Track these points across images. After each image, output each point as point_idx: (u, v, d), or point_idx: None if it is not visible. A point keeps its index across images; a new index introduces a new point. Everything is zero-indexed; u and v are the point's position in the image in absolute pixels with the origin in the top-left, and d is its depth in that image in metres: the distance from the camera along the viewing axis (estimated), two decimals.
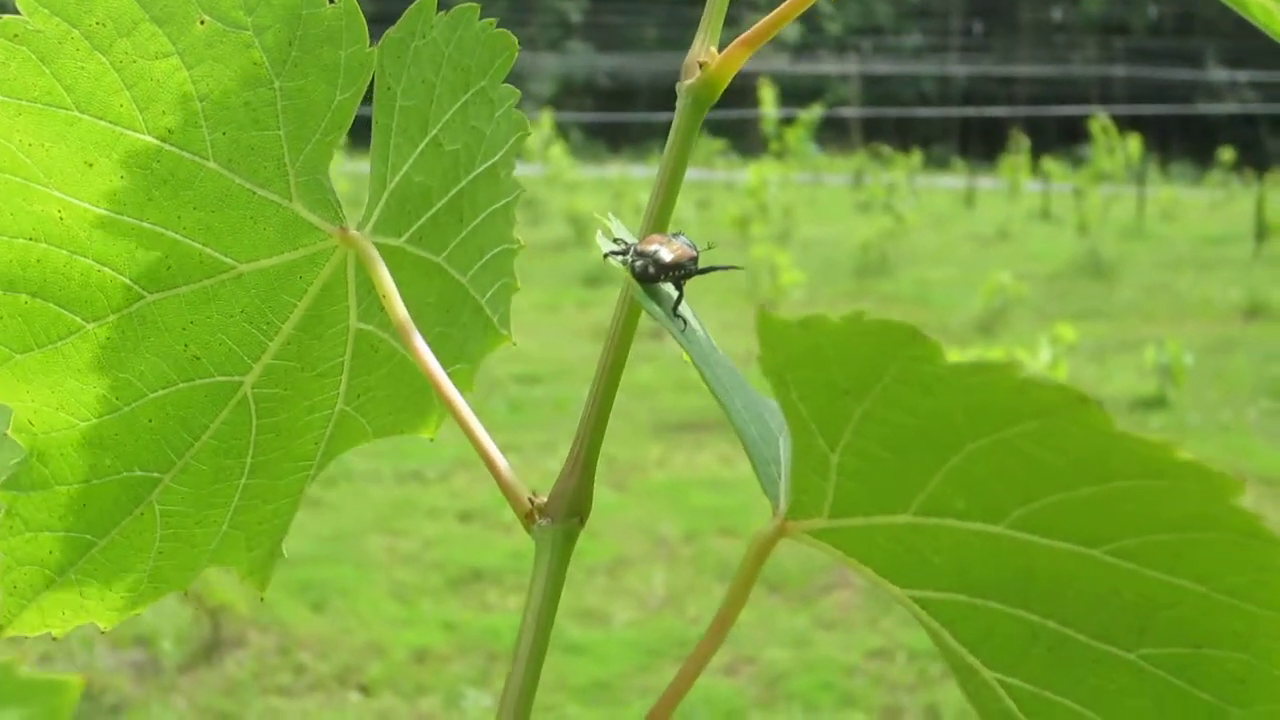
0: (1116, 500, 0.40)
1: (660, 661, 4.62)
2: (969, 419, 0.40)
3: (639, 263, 0.58)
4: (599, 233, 0.60)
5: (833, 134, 31.22)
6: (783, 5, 0.58)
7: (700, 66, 0.59)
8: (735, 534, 5.84)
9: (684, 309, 0.58)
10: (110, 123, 0.59)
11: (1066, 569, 0.42)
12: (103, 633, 0.68)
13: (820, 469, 0.45)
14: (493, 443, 0.58)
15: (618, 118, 33.98)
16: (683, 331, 0.55)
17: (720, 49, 0.60)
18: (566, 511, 0.58)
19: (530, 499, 0.58)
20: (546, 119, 19.73)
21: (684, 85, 0.60)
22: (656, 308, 0.56)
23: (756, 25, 0.59)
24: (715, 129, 25.53)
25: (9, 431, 0.62)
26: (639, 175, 20.85)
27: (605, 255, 0.59)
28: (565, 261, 13.11)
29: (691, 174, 21.48)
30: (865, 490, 0.45)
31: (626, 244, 0.60)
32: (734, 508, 6.09)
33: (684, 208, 15.72)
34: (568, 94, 37.52)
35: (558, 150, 18.72)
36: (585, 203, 15.31)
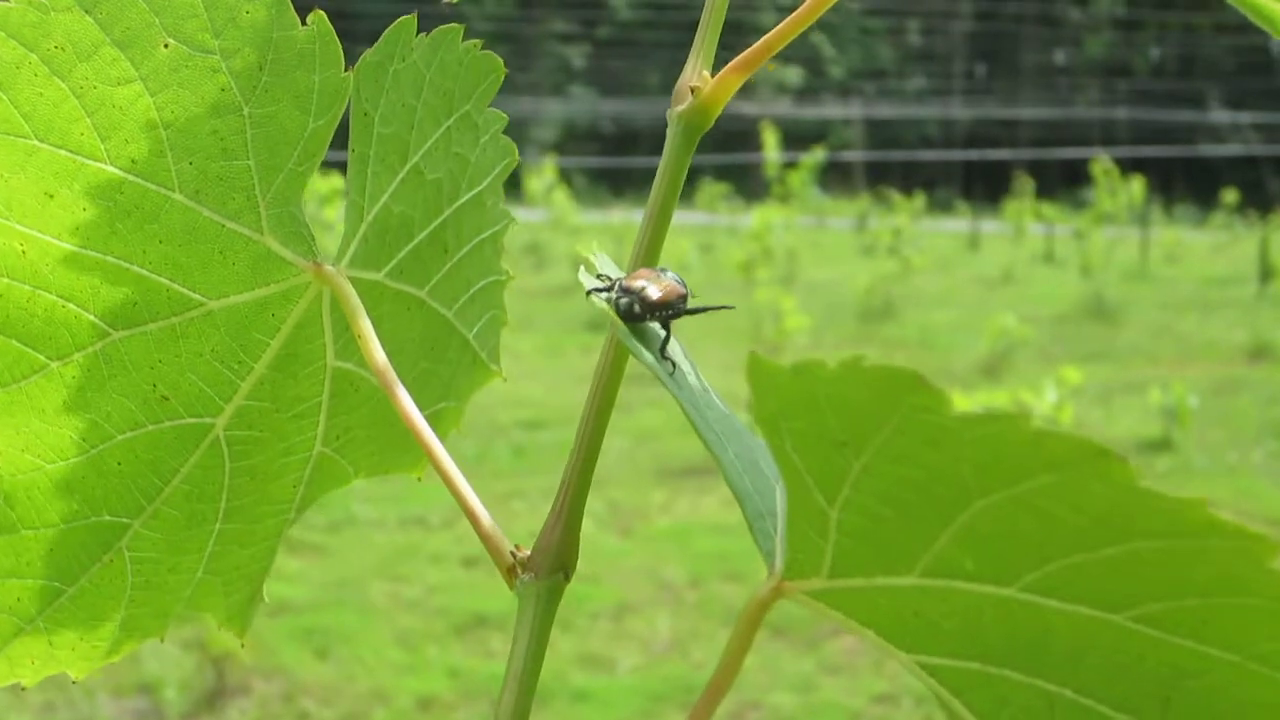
0: (1140, 562, 0.37)
1: (665, 707, 4.59)
2: (978, 474, 0.37)
3: (624, 300, 0.55)
4: (581, 269, 0.57)
5: (836, 177, 31.28)
6: (778, 27, 0.56)
7: (692, 92, 0.57)
8: (740, 579, 5.82)
9: (673, 350, 0.55)
10: (71, 152, 0.56)
11: (1085, 635, 0.39)
12: (74, 682, 0.65)
13: (818, 526, 0.42)
14: (473, 493, 0.55)
15: (620, 163, 34.02)
16: (671, 375, 0.52)
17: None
18: (550, 567, 0.55)
19: (512, 553, 0.55)
20: (549, 164, 19.76)
21: (674, 112, 0.57)
22: (643, 350, 0.52)
23: (751, 48, 0.56)
24: (718, 173, 25.59)
25: None
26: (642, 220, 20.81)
27: (589, 293, 0.56)
28: (568, 306, 13.10)
29: (694, 218, 21.56)
30: (867, 549, 0.42)
31: (611, 280, 0.57)
32: (739, 552, 6.06)
33: (688, 251, 15.74)
34: (571, 139, 37.58)
35: (561, 195, 18.75)
36: (589, 247, 15.31)
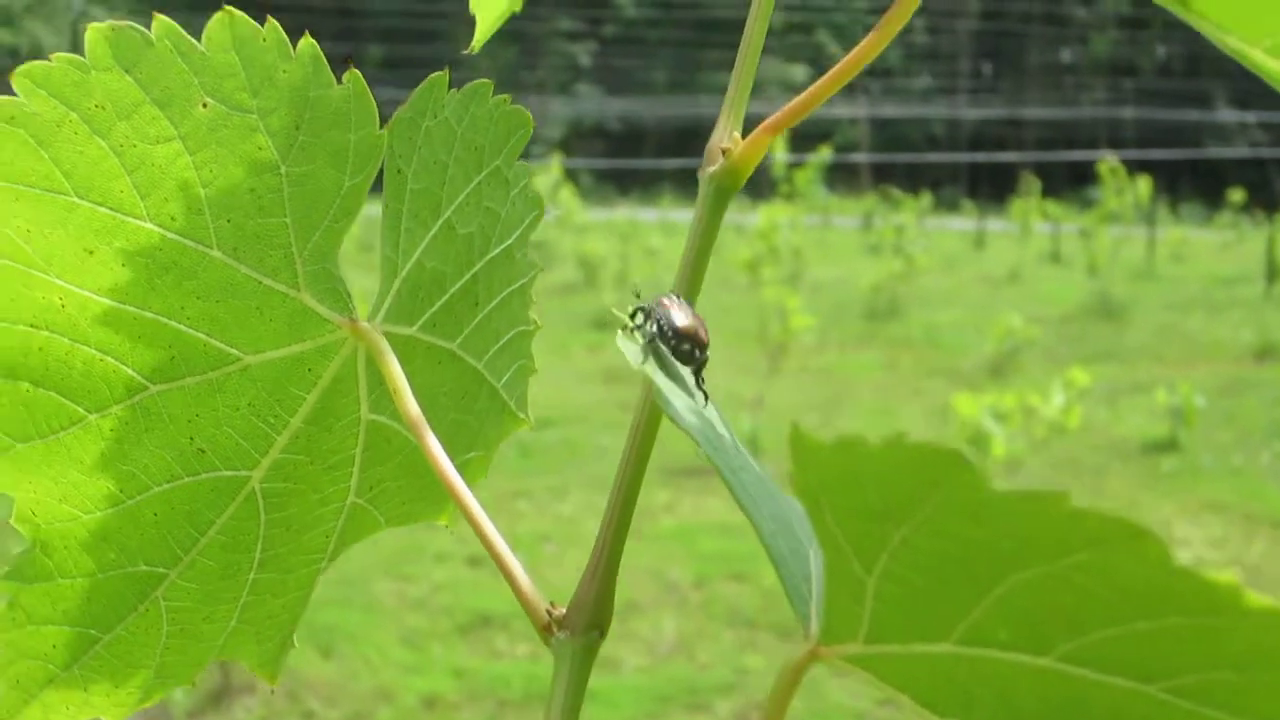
0: (1175, 637, 0.38)
1: (670, 708, 4.59)
2: (1016, 548, 0.38)
3: (686, 347, 0.56)
4: (620, 338, 0.57)
5: (842, 176, 31.25)
6: (808, 90, 0.56)
7: (723, 153, 0.57)
8: (745, 579, 5.82)
9: (710, 411, 0.55)
10: (110, 209, 0.57)
11: (1118, 705, 0.40)
12: None
13: (855, 593, 0.43)
14: (509, 550, 0.56)
15: (627, 164, 33.94)
16: (709, 438, 0.52)
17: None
18: (586, 624, 0.55)
19: (548, 610, 0.56)
20: (556, 163, 19.73)
21: (706, 173, 0.58)
22: (681, 415, 0.52)
23: (781, 110, 0.56)
24: None
25: (11, 520, 0.60)
26: (648, 219, 20.91)
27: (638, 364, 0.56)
28: (575, 305, 13.11)
29: None
30: (903, 617, 0.42)
31: (650, 331, 0.57)
32: (744, 553, 6.06)
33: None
34: (577, 137, 37.54)
35: (567, 193, 18.73)
36: (595, 245, 15.32)
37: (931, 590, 0.41)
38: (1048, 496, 0.36)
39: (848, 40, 37.86)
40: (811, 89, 0.56)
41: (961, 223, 25.44)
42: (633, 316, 0.58)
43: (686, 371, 0.58)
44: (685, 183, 29.21)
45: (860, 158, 33.57)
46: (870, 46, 0.56)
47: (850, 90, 38.87)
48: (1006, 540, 0.38)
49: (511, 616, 5.37)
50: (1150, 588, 0.37)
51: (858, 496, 0.40)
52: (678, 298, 0.59)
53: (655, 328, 0.57)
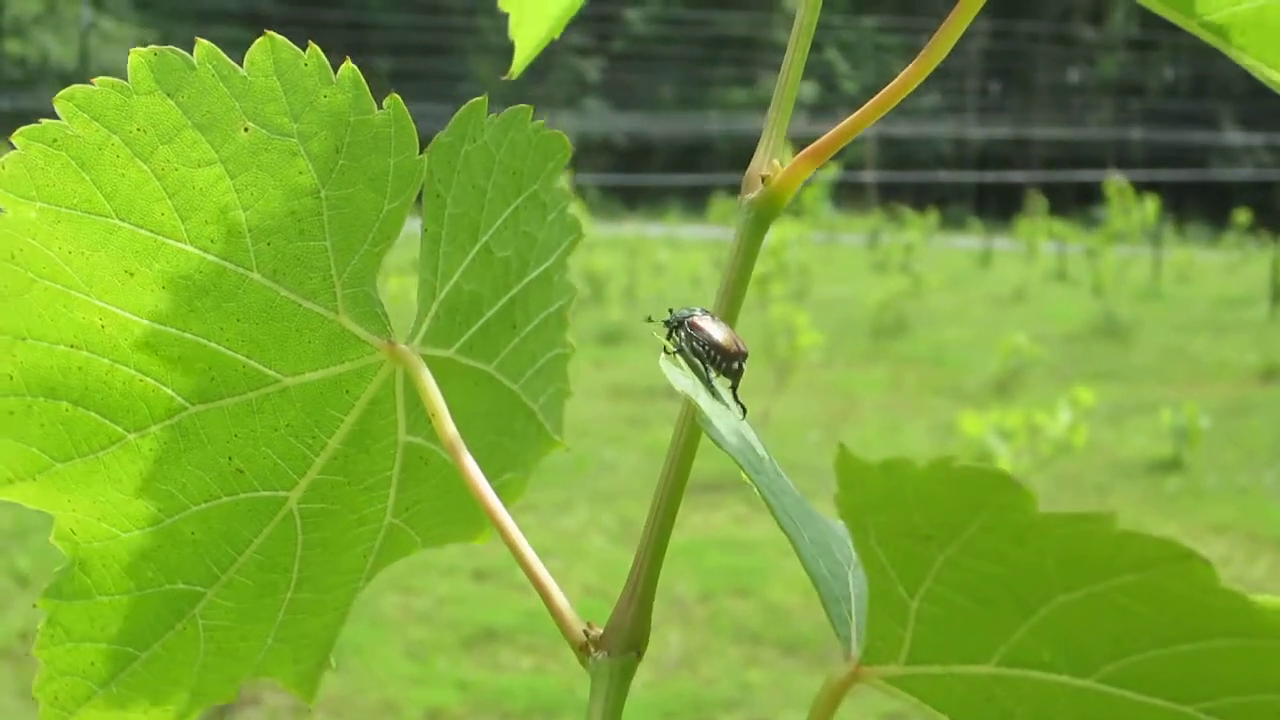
0: (1218, 659, 0.38)
1: None
2: (1061, 570, 0.39)
3: (736, 365, 0.57)
4: (669, 373, 0.57)
5: (849, 193, 31.22)
6: (847, 120, 0.56)
7: (763, 180, 0.58)
8: (751, 595, 5.81)
9: (747, 430, 0.56)
10: (151, 232, 0.57)
11: None
12: None
13: (898, 615, 0.43)
14: (546, 570, 0.56)
15: (634, 180, 33.85)
16: (751, 462, 0.52)
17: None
18: (623, 645, 0.56)
19: (585, 631, 0.56)
20: (563, 178, 19.72)
21: (746, 199, 0.58)
22: (725, 438, 0.53)
23: (821, 139, 0.57)
24: (732, 189, 25.56)
25: (51, 539, 0.60)
26: (655, 234, 20.90)
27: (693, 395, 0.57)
28: (582, 320, 13.10)
29: (709, 232, 21.53)
30: (945, 638, 0.43)
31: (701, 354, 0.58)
32: (750, 568, 6.05)
33: (701, 265, 15.75)
34: (585, 152, 37.44)
35: (575, 208, 18.71)
36: (602, 260, 15.31)
37: (975, 611, 0.41)
38: (1093, 518, 0.37)
39: (856, 58, 37.86)
40: (854, 116, 0.56)
41: (968, 241, 25.40)
42: (669, 335, 0.59)
43: (724, 386, 0.59)
44: (692, 198, 29.17)
45: (867, 176, 33.54)
46: (915, 74, 0.56)
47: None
48: (1051, 562, 0.38)
49: (517, 630, 5.37)
50: (1195, 609, 0.37)
51: (902, 518, 0.40)
52: (708, 314, 0.60)
53: (693, 344, 0.58)
